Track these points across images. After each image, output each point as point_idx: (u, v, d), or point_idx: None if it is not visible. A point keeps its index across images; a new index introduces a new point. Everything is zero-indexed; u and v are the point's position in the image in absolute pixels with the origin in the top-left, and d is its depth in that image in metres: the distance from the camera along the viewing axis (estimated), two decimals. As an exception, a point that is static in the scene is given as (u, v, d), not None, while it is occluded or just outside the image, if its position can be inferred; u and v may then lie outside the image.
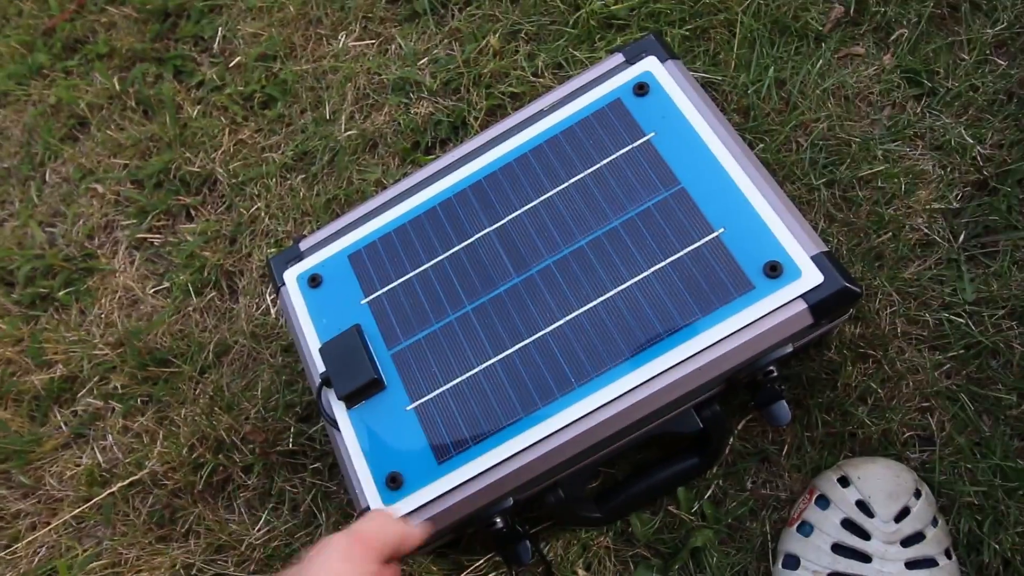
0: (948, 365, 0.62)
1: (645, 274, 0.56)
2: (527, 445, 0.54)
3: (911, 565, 0.53)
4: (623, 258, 0.57)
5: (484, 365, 0.57)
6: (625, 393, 0.53)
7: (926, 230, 0.66)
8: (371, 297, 0.62)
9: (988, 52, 0.70)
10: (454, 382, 0.57)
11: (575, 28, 0.81)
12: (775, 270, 0.53)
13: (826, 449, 0.62)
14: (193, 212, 0.88)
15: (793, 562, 0.56)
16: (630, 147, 0.60)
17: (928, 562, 0.53)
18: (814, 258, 0.53)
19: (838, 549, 0.54)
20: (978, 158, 0.67)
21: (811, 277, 0.52)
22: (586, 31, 0.81)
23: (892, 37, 0.73)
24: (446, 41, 0.86)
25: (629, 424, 0.54)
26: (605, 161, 0.60)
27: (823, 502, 0.57)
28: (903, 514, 0.54)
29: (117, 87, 0.96)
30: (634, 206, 0.58)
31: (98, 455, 0.77)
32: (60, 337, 0.84)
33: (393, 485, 0.55)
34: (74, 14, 1.04)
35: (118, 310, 0.85)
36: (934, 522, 0.55)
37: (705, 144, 0.58)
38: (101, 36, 1.01)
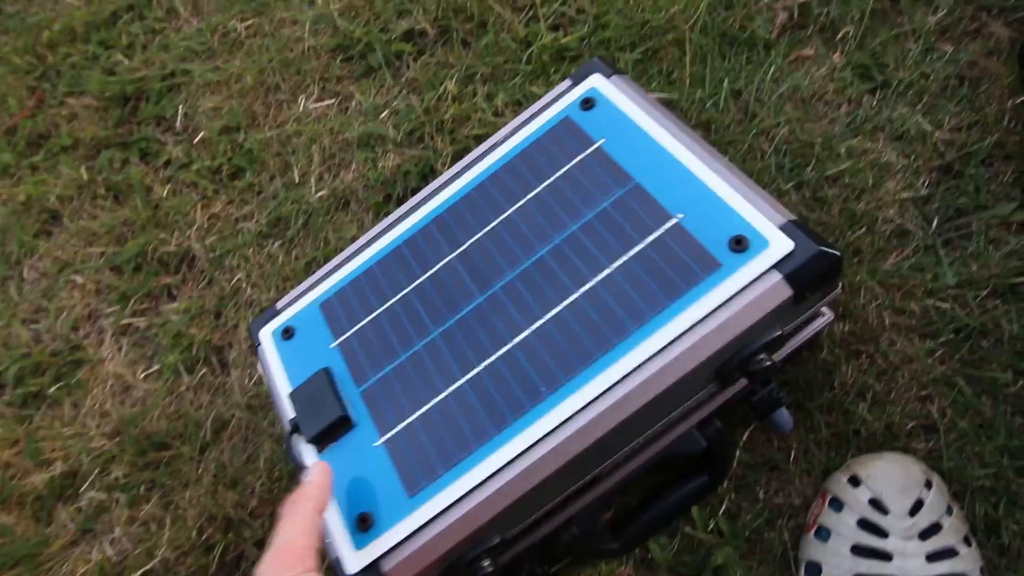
0: (940, 351, 0.62)
1: (608, 271, 0.54)
2: (500, 465, 0.51)
3: (932, 558, 0.53)
4: (584, 260, 0.55)
5: (452, 388, 0.55)
6: (600, 395, 0.50)
7: (899, 220, 0.67)
8: (340, 340, 0.62)
9: (933, 40, 0.72)
10: (422, 410, 0.55)
11: (529, 64, 0.82)
12: (740, 244, 0.50)
13: (832, 449, 0.62)
14: (175, 291, 0.88)
15: (815, 569, 0.56)
16: (582, 156, 0.60)
17: (948, 552, 0.53)
18: (782, 227, 0.50)
19: (858, 551, 0.54)
20: (939, 143, 0.68)
21: (780, 246, 0.50)
22: (540, 66, 0.82)
23: (839, 36, 0.75)
24: (404, 92, 0.87)
25: (610, 430, 0.51)
26: (559, 173, 0.60)
27: (836, 505, 0.57)
28: (917, 507, 0.54)
29: (85, 177, 0.97)
30: (591, 209, 0.57)
31: (108, 549, 0.76)
32: (56, 433, 0.83)
33: (363, 526, 0.53)
34: (34, 110, 1.04)
35: (111, 399, 0.84)
36: (949, 511, 0.55)
37: (653, 138, 0.57)
38: (63, 128, 1.01)
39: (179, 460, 0.78)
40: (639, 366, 0.50)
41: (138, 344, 0.87)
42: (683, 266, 0.52)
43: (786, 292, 0.49)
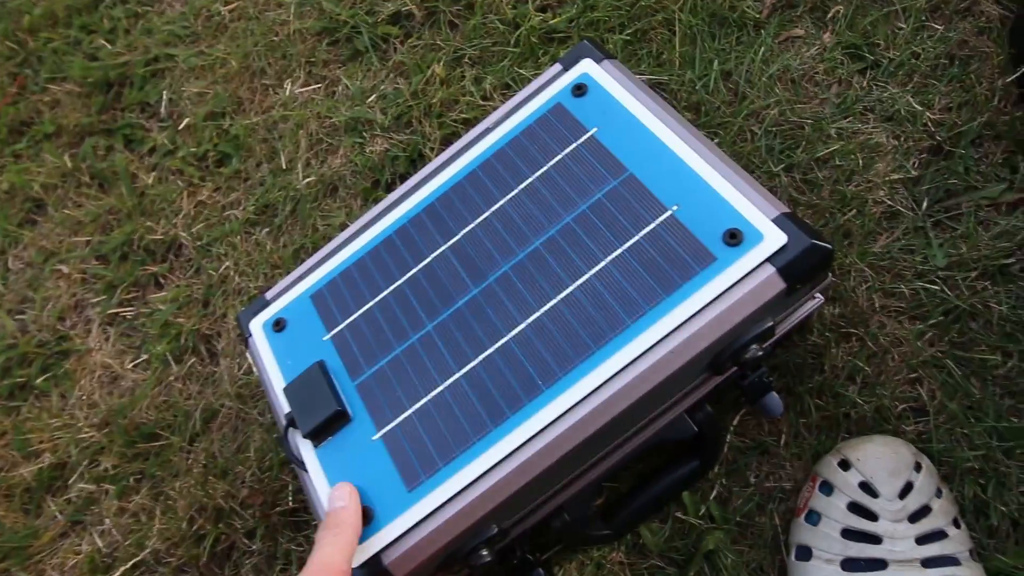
0: (930, 333, 0.62)
1: (603, 264, 0.54)
2: (499, 459, 0.51)
3: (922, 540, 0.53)
4: (579, 252, 0.55)
5: (449, 381, 0.55)
6: (597, 389, 0.51)
7: (889, 202, 0.66)
8: (334, 332, 0.61)
9: (924, 18, 0.71)
10: (419, 404, 0.55)
11: (517, 47, 0.81)
12: (735, 238, 0.51)
13: (823, 433, 0.62)
14: (162, 280, 0.87)
15: (805, 553, 0.56)
16: (575, 145, 0.59)
17: (938, 535, 0.53)
18: (775, 220, 0.50)
19: (848, 534, 0.54)
20: (929, 124, 0.67)
21: (774, 240, 0.50)
22: (528, 48, 0.81)
23: (829, 15, 0.74)
24: (391, 76, 0.86)
25: (607, 423, 0.51)
26: (552, 162, 0.59)
27: (826, 488, 0.57)
28: (907, 490, 0.54)
29: (69, 164, 0.95)
30: (585, 200, 0.57)
31: (97, 540, 0.76)
32: (44, 425, 0.83)
33: (363, 521, 0.52)
34: (16, 97, 1.03)
35: (99, 389, 0.83)
36: (938, 493, 0.55)
37: (647, 128, 0.57)
38: (46, 115, 1.00)
39: (169, 450, 0.78)
40: (634, 360, 0.50)
41: (125, 334, 0.86)
42: (678, 259, 0.52)
43: (779, 285, 0.50)
